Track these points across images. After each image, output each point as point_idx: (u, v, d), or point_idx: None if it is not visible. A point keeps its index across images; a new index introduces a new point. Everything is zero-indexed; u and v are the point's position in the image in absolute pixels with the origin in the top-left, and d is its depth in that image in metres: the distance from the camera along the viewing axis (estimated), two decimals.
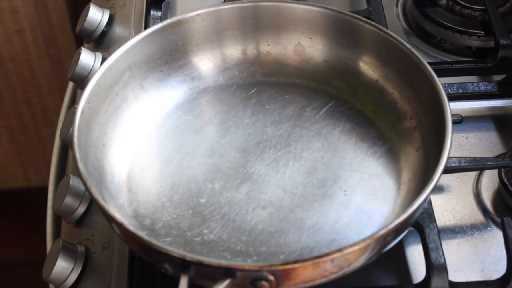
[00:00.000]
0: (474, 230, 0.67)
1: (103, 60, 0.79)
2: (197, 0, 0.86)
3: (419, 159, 0.64)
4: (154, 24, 0.77)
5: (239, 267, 0.52)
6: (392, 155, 0.67)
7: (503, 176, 0.68)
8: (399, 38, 0.68)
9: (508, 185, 0.67)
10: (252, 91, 0.73)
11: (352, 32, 0.70)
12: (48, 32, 1.36)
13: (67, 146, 0.82)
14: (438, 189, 0.70)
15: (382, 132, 0.69)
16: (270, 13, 0.73)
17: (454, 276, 0.62)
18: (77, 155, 0.59)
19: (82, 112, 0.62)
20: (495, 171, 0.69)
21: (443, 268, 0.59)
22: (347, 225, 0.61)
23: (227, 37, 0.74)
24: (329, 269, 0.54)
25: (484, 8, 0.84)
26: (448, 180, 0.71)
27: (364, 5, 0.84)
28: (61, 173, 0.85)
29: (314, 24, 0.72)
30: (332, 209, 0.63)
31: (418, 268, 0.63)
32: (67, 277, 0.64)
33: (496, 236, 0.66)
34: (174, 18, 0.71)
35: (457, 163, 0.67)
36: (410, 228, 0.61)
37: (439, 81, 0.64)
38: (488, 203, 0.69)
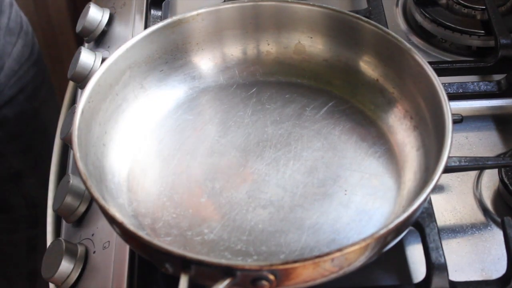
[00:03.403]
0: (474, 229, 0.67)
1: (103, 60, 0.79)
2: (197, 0, 0.86)
3: (419, 159, 0.64)
4: (154, 23, 0.77)
5: (239, 266, 0.52)
6: (392, 154, 0.67)
7: (503, 176, 0.68)
8: (399, 38, 0.68)
9: (509, 185, 0.67)
10: (252, 91, 0.73)
11: (352, 31, 0.70)
12: (48, 31, 1.36)
13: (67, 146, 0.82)
14: (438, 188, 0.70)
15: (382, 131, 0.69)
16: (271, 12, 0.73)
17: (454, 275, 0.62)
18: (77, 155, 0.59)
19: (82, 112, 0.62)
20: (495, 171, 0.69)
21: (443, 267, 0.59)
22: (348, 225, 0.61)
23: (227, 36, 0.74)
24: (329, 269, 0.54)
25: (484, 7, 0.84)
26: (448, 179, 0.71)
27: (364, 5, 0.84)
28: (62, 172, 0.85)
29: (314, 24, 0.72)
30: (332, 208, 0.63)
31: (418, 268, 0.63)
32: (68, 276, 0.64)
33: (496, 236, 0.66)
34: (174, 18, 0.71)
35: (457, 163, 0.67)
36: (410, 227, 0.61)
37: (439, 81, 0.64)
38: (488, 202, 0.69)
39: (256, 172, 0.66)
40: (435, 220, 0.62)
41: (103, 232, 0.67)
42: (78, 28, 0.86)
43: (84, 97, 0.63)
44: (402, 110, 0.68)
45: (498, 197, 0.69)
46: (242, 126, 0.70)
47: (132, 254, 0.63)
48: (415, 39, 0.86)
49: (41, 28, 1.36)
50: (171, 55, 0.72)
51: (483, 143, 0.74)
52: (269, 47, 0.74)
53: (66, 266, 0.64)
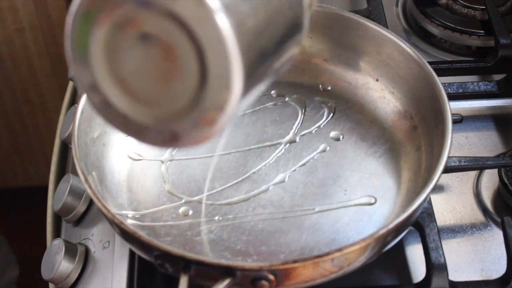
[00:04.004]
0: (474, 229, 0.67)
1: None
2: None
3: (419, 159, 0.64)
4: None
5: (239, 266, 0.52)
6: (392, 154, 0.67)
7: (503, 176, 0.68)
8: (399, 38, 0.68)
9: (508, 185, 0.67)
10: None
11: (352, 31, 0.70)
12: (48, 31, 1.36)
13: (67, 146, 0.82)
14: (438, 188, 0.70)
15: (382, 131, 0.69)
16: None
17: (454, 275, 0.62)
18: (77, 155, 0.59)
19: (82, 111, 0.62)
20: (495, 171, 0.69)
21: (443, 267, 0.59)
22: (347, 225, 0.61)
23: None
24: (329, 269, 0.54)
25: (484, 7, 0.83)
26: (448, 179, 0.71)
27: (364, 5, 0.84)
28: (61, 172, 0.85)
29: (314, 24, 0.72)
30: (333, 208, 0.63)
31: (418, 268, 0.63)
32: (67, 276, 0.64)
33: (496, 236, 0.66)
34: None
35: (457, 163, 0.67)
36: (410, 227, 0.61)
37: (439, 81, 0.64)
38: (488, 202, 0.69)
39: (256, 172, 0.66)
40: (435, 220, 0.62)
41: (103, 232, 0.67)
42: None
43: (84, 97, 0.63)
44: (402, 110, 0.68)
45: (498, 197, 0.69)
46: (242, 126, 0.70)
47: (132, 254, 0.63)
48: (415, 39, 0.86)
49: (41, 28, 1.36)
50: None
51: (483, 143, 0.74)
52: None
53: (66, 266, 0.64)
